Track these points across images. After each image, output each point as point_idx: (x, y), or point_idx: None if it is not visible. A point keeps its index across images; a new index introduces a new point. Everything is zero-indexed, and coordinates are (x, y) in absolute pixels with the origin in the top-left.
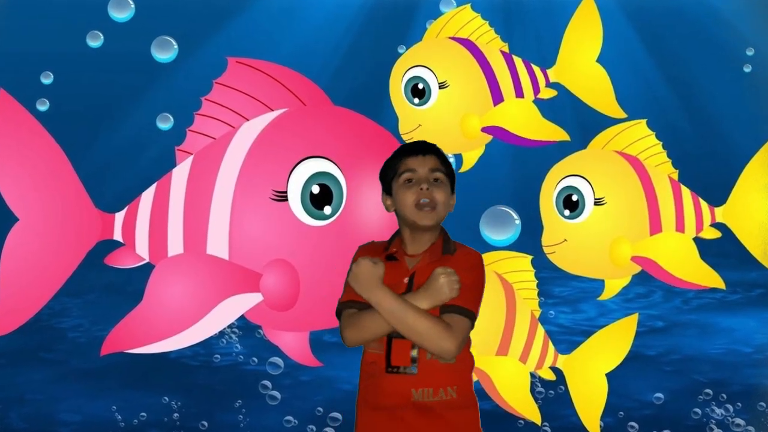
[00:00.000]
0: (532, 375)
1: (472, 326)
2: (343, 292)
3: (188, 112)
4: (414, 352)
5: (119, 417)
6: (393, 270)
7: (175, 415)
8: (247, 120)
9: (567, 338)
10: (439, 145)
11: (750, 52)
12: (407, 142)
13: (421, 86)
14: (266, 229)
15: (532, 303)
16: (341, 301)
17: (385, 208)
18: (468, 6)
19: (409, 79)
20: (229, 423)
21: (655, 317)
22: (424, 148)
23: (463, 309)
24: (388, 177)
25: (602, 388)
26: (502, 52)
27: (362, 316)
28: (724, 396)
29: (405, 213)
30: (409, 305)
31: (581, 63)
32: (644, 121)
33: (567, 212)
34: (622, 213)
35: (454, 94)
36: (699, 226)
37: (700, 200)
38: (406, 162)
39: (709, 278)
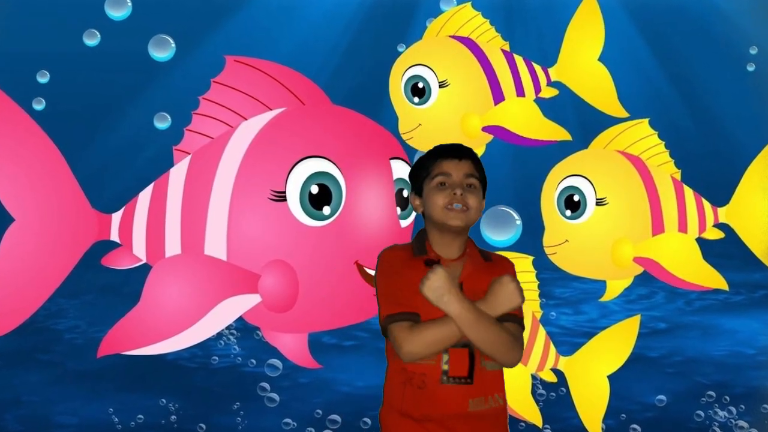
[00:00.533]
0: (533, 377)
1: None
2: (382, 305)
3: (186, 112)
4: (470, 361)
5: (116, 419)
6: None
7: (173, 417)
8: (246, 119)
9: (568, 340)
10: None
11: (753, 51)
12: (444, 144)
13: (421, 85)
14: (265, 230)
15: (533, 304)
16: (388, 314)
17: (413, 208)
18: (468, 4)
19: (409, 78)
20: (227, 425)
21: (658, 319)
22: (460, 152)
23: (518, 317)
24: (419, 177)
25: (604, 391)
26: (503, 51)
27: (428, 329)
28: (728, 398)
29: (435, 214)
30: (486, 315)
31: (583, 61)
32: (646, 120)
33: (568, 212)
34: (624, 213)
35: (454, 93)
36: (702, 226)
37: (703, 200)
38: (440, 165)
39: (712, 279)
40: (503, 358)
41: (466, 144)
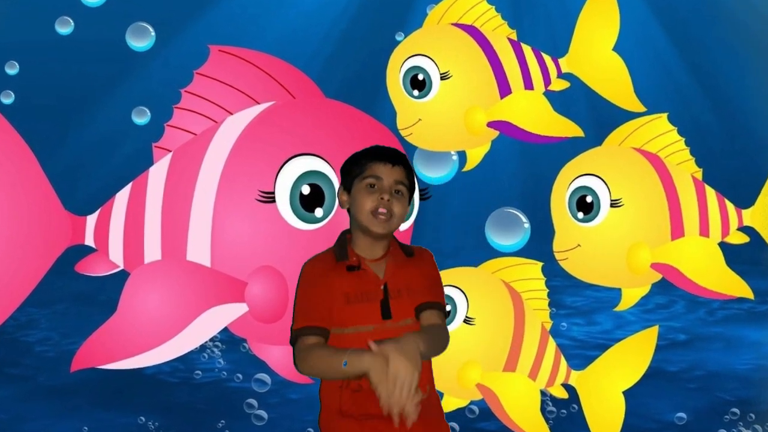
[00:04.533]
0: (543, 393)
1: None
2: (295, 318)
3: (167, 106)
4: None
5: None
6: (361, 280)
7: None
8: (231, 114)
9: (581, 353)
10: (440, 142)
11: None
12: (374, 146)
13: (421, 77)
14: (252, 234)
15: (542, 314)
16: (295, 328)
17: (339, 203)
18: None
19: (408, 70)
20: None
21: (677, 330)
22: (394, 158)
23: (441, 305)
24: (351, 173)
25: (619, 407)
26: (510, 40)
27: (318, 358)
28: (753, 416)
29: (360, 217)
30: (428, 338)
31: (596, 52)
32: (665, 115)
33: (581, 215)
34: (641, 216)
35: (457, 86)
36: (725, 230)
37: (726, 202)
38: (373, 167)
39: (736, 287)
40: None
41: (470, 141)
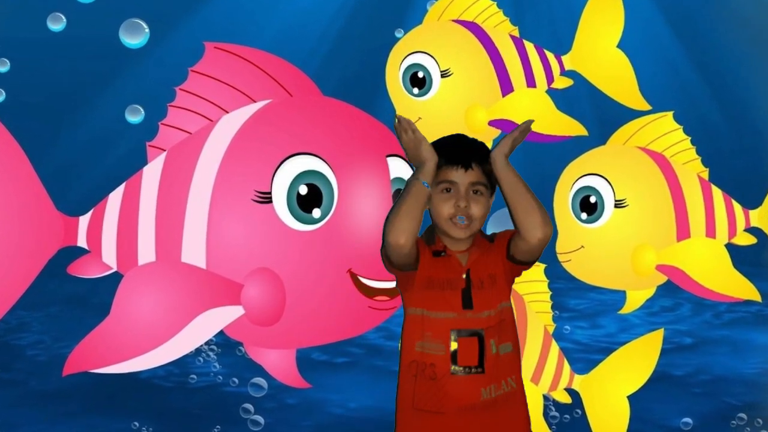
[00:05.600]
0: (546, 397)
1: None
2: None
3: (161, 104)
4: (480, 350)
5: None
6: (445, 265)
7: None
8: (227, 112)
9: (584, 356)
10: None
11: None
12: (449, 140)
13: (421, 75)
14: (248, 235)
15: (545, 317)
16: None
17: None
18: None
19: (408, 67)
20: None
21: (683, 333)
22: (467, 160)
23: None
24: None
25: (623, 412)
26: (512, 37)
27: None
28: (760, 421)
29: (439, 222)
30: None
31: (600, 49)
32: (671, 113)
33: (584, 215)
34: (646, 216)
35: (458, 84)
36: (732, 230)
37: (733, 202)
38: (447, 172)
39: (743, 289)
40: (541, 222)
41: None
